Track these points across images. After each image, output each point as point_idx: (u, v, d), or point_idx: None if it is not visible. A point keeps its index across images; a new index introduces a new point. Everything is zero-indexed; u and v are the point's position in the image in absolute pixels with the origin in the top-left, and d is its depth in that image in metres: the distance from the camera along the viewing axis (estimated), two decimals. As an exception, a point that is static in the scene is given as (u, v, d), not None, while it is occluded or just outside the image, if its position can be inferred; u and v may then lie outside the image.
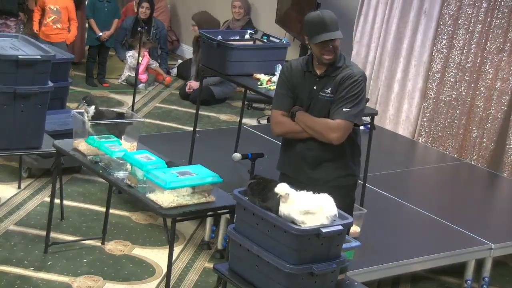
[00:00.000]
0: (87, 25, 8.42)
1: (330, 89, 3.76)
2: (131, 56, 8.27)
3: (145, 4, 8.29)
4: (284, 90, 3.88)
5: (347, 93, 3.72)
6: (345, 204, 3.50)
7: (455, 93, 6.78)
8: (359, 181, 4.00)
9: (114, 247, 4.93)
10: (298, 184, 3.54)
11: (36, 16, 7.66)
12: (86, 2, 8.49)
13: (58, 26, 7.58)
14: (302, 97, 3.84)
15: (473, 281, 4.94)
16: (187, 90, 8.00)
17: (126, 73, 8.33)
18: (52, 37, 7.55)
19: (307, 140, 3.84)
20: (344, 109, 3.71)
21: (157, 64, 8.50)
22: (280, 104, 3.90)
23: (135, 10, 8.69)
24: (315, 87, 3.80)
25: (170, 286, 4.02)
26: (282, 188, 3.24)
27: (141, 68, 7.94)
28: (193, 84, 7.91)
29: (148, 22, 8.36)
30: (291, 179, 3.84)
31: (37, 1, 7.77)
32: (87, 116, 4.34)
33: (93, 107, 4.33)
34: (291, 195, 3.22)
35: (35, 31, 7.61)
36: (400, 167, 6.22)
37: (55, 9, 7.56)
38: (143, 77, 8.20)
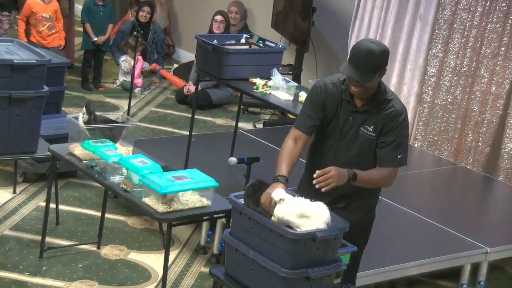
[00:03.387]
0: (81, 29, 8.41)
1: (372, 127, 3.53)
2: (124, 60, 8.27)
3: (146, 8, 8.31)
4: (310, 111, 3.60)
5: (397, 136, 3.50)
6: (363, 220, 3.50)
7: (451, 97, 6.79)
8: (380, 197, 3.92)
9: (109, 251, 4.92)
10: (319, 198, 3.41)
11: (22, 27, 7.36)
12: (81, 7, 8.49)
13: (53, 31, 7.50)
14: (333, 125, 3.60)
15: (469, 285, 4.94)
16: (185, 92, 7.98)
17: (121, 78, 8.32)
18: (49, 43, 7.47)
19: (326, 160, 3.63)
20: (398, 156, 3.52)
21: (148, 64, 8.46)
22: (301, 123, 3.62)
23: (131, 15, 8.70)
24: (351, 118, 3.56)
25: (166, 291, 4.01)
26: (278, 194, 3.25)
27: (136, 72, 7.94)
28: (192, 88, 7.89)
29: (146, 26, 8.37)
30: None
31: (21, 11, 7.50)
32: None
33: (86, 117, 4.34)
34: (286, 200, 3.23)
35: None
36: (395, 171, 6.22)
37: (47, 16, 7.45)
38: (138, 81, 8.19)
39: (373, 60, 3.42)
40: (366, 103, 3.55)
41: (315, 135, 3.70)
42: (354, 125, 3.57)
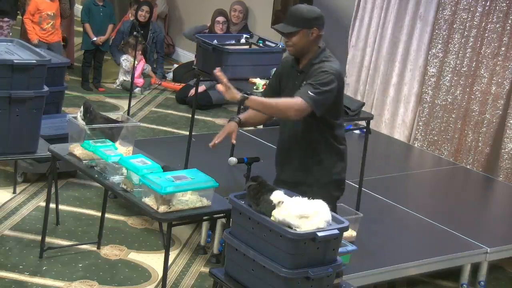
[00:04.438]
0: (81, 29, 8.41)
1: (304, 82, 3.73)
2: (125, 59, 8.27)
3: (145, 8, 8.33)
4: (272, 82, 4.03)
5: (314, 80, 3.67)
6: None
7: (451, 97, 6.79)
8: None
9: (109, 251, 4.92)
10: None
11: (30, 25, 7.45)
12: (81, 7, 8.49)
13: (53, 28, 7.58)
14: (288, 90, 3.84)
15: (469, 285, 4.94)
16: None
17: (121, 77, 8.32)
18: (50, 38, 7.55)
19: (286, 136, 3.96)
20: (309, 92, 3.63)
21: (150, 67, 8.47)
22: (264, 94, 4.08)
23: (130, 15, 8.70)
24: (296, 82, 3.82)
25: (166, 291, 4.01)
26: (276, 196, 3.25)
27: (137, 72, 7.94)
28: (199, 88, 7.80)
29: (146, 26, 8.37)
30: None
31: (26, 10, 7.57)
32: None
33: (82, 116, 4.37)
34: (285, 202, 3.23)
35: (34, 41, 7.34)
36: (395, 171, 6.22)
37: (52, 14, 7.54)
38: (139, 81, 8.19)
39: (298, 15, 3.75)
40: (304, 66, 3.79)
41: None
42: (296, 87, 3.78)
